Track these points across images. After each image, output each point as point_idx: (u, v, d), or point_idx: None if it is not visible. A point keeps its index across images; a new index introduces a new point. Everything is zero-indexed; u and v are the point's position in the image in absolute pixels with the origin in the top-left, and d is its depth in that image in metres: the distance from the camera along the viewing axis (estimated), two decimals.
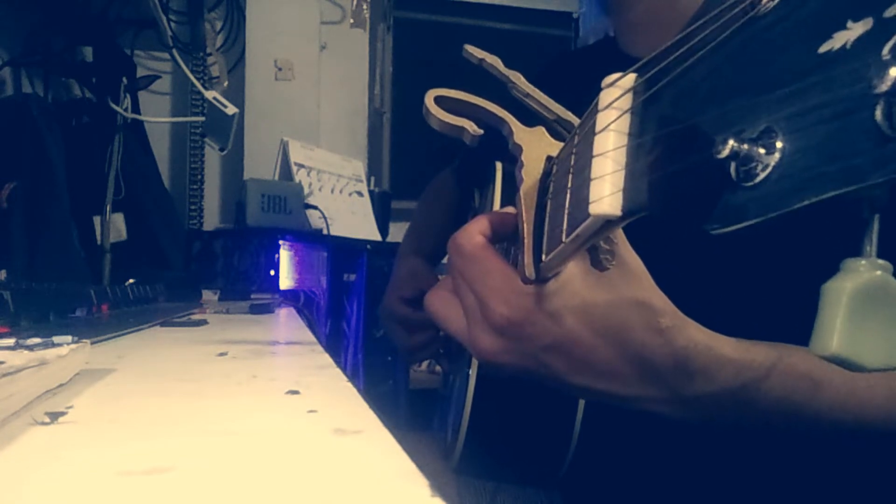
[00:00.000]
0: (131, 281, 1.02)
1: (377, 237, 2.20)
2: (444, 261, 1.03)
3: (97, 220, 1.72)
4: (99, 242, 1.71)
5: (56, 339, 0.40)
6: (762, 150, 0.16)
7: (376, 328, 1.89)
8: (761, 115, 0.17)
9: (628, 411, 0.40)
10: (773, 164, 0.16)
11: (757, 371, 0.39)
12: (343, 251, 1.84)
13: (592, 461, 0.55)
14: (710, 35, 0.18)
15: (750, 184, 0.17)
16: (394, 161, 2.80)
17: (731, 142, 0.17)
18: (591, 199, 0.22)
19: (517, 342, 0.37)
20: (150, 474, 0.22)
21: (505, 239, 0.39)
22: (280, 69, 2.34)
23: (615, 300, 0.36)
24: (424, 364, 1.75)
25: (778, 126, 0.16)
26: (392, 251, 1.03)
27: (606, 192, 0.22)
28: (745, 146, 0.17)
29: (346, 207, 2.15)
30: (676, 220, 0.19)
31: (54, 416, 0.30)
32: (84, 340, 0.41)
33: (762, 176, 0.16)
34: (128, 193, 1.76)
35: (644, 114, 0.22)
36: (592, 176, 0.22)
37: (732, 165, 0.17)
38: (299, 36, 2.38)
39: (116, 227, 1.76)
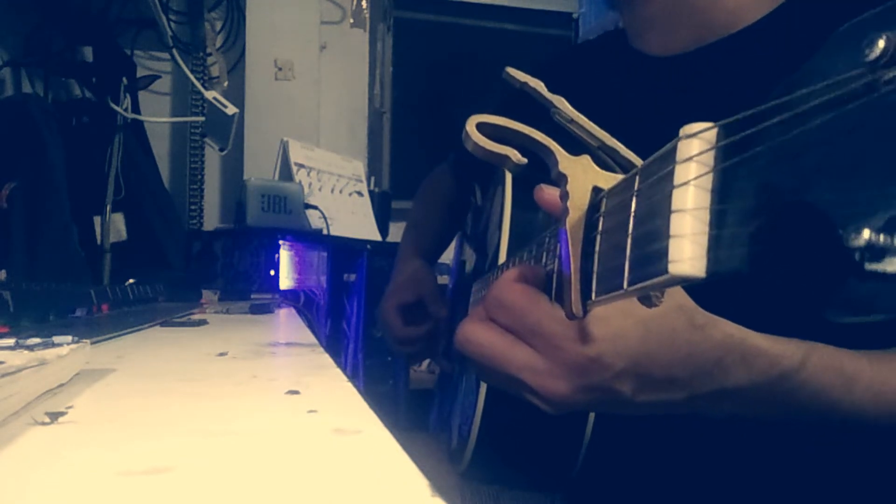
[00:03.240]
0: (131, 281, 1.02)
1: (377, 237, 2.20)
2: (442, 259, 1.03)
3: (97, 220, 1.72)
4: (99, 242, 1.71)
5: (56, 339, 0.40)
6: None
7: (376, 328, 1.89)
8: (893, 203, 0.15)
9: (639, 419, 0.40)
10: None
11: (791, 361, 0.40)
12: (343, 251, 1.84)
13: (600, 466, 0.55)
14: (823, 104, 0.17)
15: (882, 272, 0.16)
16: (394, 161, 2.80)
17: (867, 232, 0.16)
18: (671, 258, 0.21)
19: (592, 377, 0.37)
20: (150, 474, 0.22)
21: (537, 286, 0.38)
22: (280, 69, 2.34)
23: (663, 310, 0.36)
24: (424, 364, 1.75)
25: None
26: (392, 251, 1.03)
27: (688, 255, 0.21)
28: (882, 237, 0.16)
29: (346, 207, 2.15)
30: (783, 296, 0.18)
31: (54, 416, 0.30)
32: (84, 340, 0.41)
33: None
34: (128, 193, 1.76)
35: (733, 175, 0.20)
36: (672, 233, 0.21)
37: (859, 252, 0.16)
38: (299, 36, 2.38)
39: (116, 227, 1.76)
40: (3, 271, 0.91)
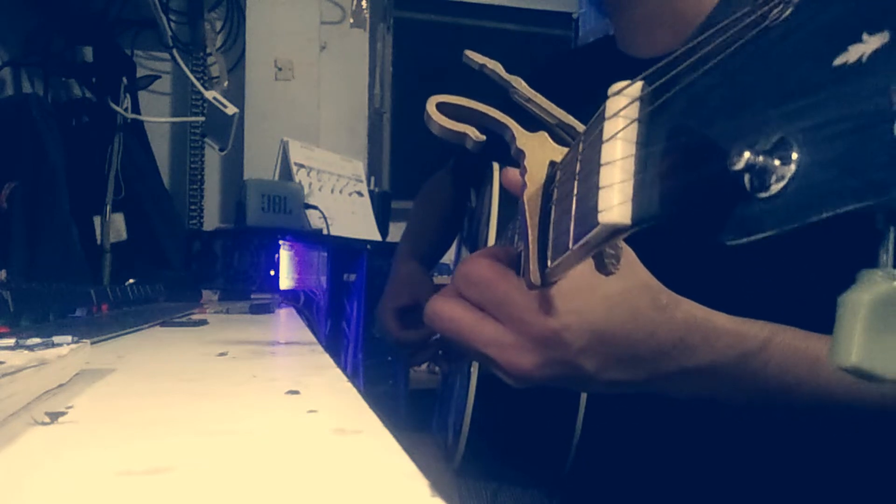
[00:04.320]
0: (131, 281, 1.02)
1: (377, 237, 2.20)
2: (443, 260, 1.03)
3: (97, 220, 1.72)
4: (99, 242, 1.71)
5: (56, 339, 0.40)
6: (777, 162, 0.16)
7: (376, 328, 1.89)
8: (775, 127, 0.16)
9: (628, 411, 0.41)
10: (789, 175, 0.16)
11: (753, 342, 0.40)
12: (343, 251, 1.84)
13: (594, 461, 0.55)
14: (720, 45, 0.18)
15: (765, 195, 0.17)
16: (394, 161, 2.80)
17: (746, 153, 0.17)
18: (600, 208, 0.22)
19: (556, 351, 0.37)
20: (150, 474, 0.22)
21: (508, 265, 0.39)
22: (280, 69, 2.34)
23: (627, 287, 0.37)
24: (424, 364, 1.76)
25: (793, 138, 0.16)
26: (392, 251, 1.03)
27: (615, 202, 0.22)
28: (761, 158, 0.17)
29: (346, 207, 2.15)
30: (689, 230, 0.19)
31: (54, 416, 0.30)
32: (84, 340, 0.41)
33: (778, 188, 0.16)
34: (128, 193, 1.76)
35: (652, 123, 0.22)
36: (601, 185, 0.22)
37: (746, 177, 0.17)
38: (299, 36, 2.38)
39: (116, 227, 1.76)
40: (3, 271, 0.91)
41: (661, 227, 0.21)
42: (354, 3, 2.57)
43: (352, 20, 2.57)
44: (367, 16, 2.59)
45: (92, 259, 1.66)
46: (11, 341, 0.39)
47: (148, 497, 0.20)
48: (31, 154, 1.46)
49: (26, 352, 0.36)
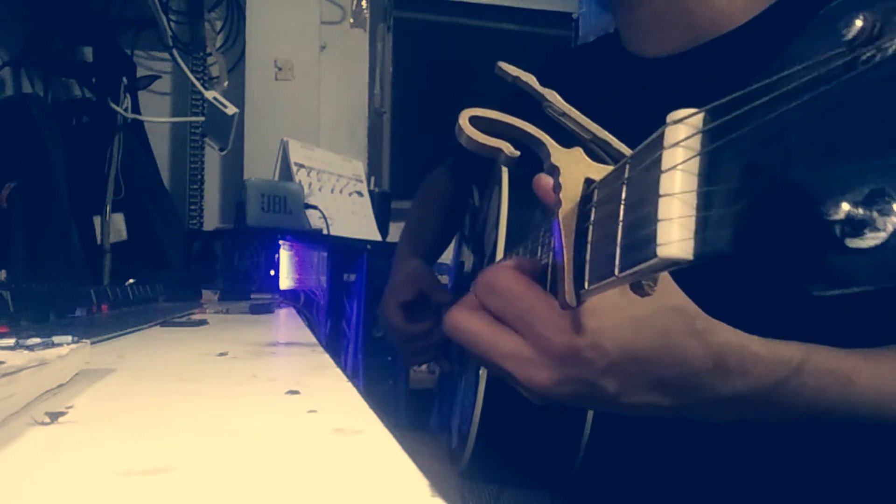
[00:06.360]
0: (131, 281, 1.02)
1: (377, 237, 2.20)
2: (442, 259, 1.03)
3: (97, 220, 1.72)
4: (99, 242, 1.71)
5: (56, 339, 0.40)
6: (876, 214, 0.16)
7: (376, 328, 1.89)
8: (873, 178, 0.16)
9: (638, 417, 0.40)
10: (891, 229, 0.16)
11: (788, 367, 0.39)
12: (343, 251, 1.84)
13: (600, 465, 0.55)
14: (804, 85, 0.17)
15: (862, 247, 0.16)
16: (394, 161, 2.80)
17: (845, 205, 0.16)
18: (659, 241, 0.22)
19: (576, 369, 0.36)
20: (150, 474, 0.22)
21: (533, 278, 0.38)
22: (280, 69, 2.34)
23: (657, 309, 0.36)
24: (424, 364, 1.76)
25: (894, 190, 0.15)
26: (392, 251, 1.03)
27: (675, 237, 0.21)
28: (861, 210, 0.16)
29: (346, 207, 2.15)
30: (767, 274, 0.19)
31: (54, 416, 0.30)
32: (84, 340, 0.41)
33: (877, 241, 0.16)
34: (128, 193, 1.76)
35: (719, 158, 0.21)
36: (660, 217, 0.22)
37: (839, 226, 0.17)
38: (299, 36, 2.38)
39: (116, 227, 1.76)
40: (3, 271, 0.91)
41: (723, 265, 0.20)
42: (354, 3, 2.57)
43: (352, 20, 2.57)
44: (367, 16, 2.59)
45: (92, 259, 1.66)
46: (11, 341, 0.39)
47: (148, 497, 0.20)
48: (31, 154, 1.46)
49: (26, 352, 0.36)
